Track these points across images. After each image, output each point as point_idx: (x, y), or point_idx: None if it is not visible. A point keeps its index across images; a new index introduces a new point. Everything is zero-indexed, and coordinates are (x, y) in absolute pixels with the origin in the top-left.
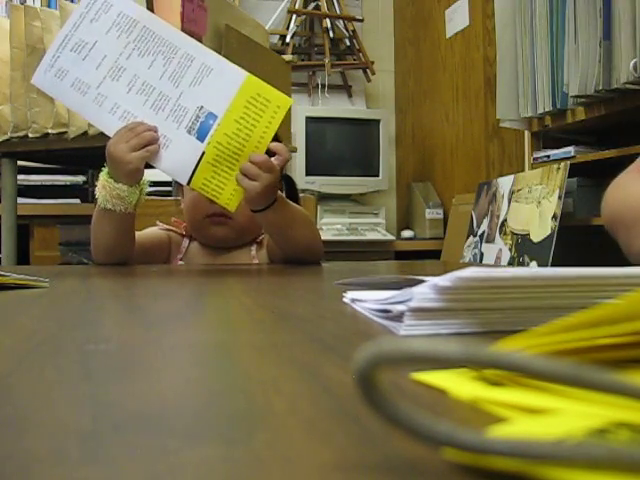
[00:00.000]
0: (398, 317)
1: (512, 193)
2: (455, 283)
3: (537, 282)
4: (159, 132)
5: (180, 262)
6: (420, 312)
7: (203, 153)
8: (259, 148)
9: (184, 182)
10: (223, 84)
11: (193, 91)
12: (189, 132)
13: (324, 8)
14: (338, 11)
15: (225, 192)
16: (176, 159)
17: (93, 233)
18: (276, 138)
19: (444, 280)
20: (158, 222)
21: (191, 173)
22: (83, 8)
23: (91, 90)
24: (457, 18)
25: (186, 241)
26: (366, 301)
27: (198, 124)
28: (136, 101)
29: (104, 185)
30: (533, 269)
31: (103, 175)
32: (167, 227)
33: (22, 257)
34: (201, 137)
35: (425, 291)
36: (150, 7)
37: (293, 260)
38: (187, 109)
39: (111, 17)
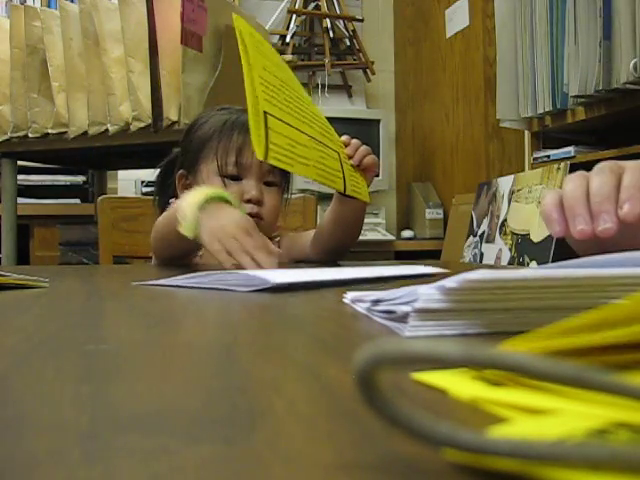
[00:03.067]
0: (402, 318)
1: (512, 193)
2: (462, 284)
3: (543, 283)
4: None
5: (199, 257)
6: (425, 313)
7: (338, 154)
8: (328, 129)
9: (343, 190)
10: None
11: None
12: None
13: (324, 8)
14: (338, 11)
15: (362, 188)
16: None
17: (159, 235)
18: None
19: (451, 282)
20: None
21: (343, 182)
22: None
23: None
24: (457, 18)
25: None
26: (367, 302)
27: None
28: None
29: (192, 219)
30: (539, 269)
31: (196, 205)
32: None
33: (22, 257)
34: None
35: (431, 292)
36: (150, 7)
37: (324, 258)
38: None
39: None
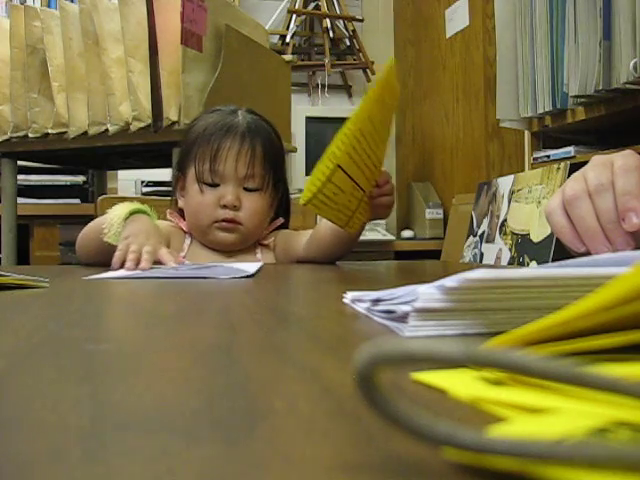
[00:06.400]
0: (402, 318)
1: (512, 193)
2: (462, 284)
3: (543, 282)
4: None
5: (183, 259)
6: (425, 313)
7: (363, 192)
8: (379, 166)
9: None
10: None
11: None
12: None
13: (324, 8)
14: (338, 11)
15: (357, 220)
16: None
17: (83, 238)
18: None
19: (451, 281)
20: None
21: (347, 220)
22: None
23: None
24: (457, 18)
25: (188, 238)
26: (367, 301)
27: None
28: None
29: (118, 229)
30: (539, 269)
31: (122, 217)
32: (170, 223)
33: (22, 257)
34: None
35: (430, 291)
36: (150, 7)
37: (317, 260)
38: None
39: None
